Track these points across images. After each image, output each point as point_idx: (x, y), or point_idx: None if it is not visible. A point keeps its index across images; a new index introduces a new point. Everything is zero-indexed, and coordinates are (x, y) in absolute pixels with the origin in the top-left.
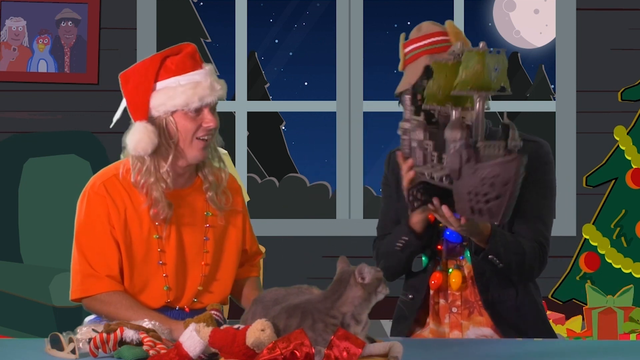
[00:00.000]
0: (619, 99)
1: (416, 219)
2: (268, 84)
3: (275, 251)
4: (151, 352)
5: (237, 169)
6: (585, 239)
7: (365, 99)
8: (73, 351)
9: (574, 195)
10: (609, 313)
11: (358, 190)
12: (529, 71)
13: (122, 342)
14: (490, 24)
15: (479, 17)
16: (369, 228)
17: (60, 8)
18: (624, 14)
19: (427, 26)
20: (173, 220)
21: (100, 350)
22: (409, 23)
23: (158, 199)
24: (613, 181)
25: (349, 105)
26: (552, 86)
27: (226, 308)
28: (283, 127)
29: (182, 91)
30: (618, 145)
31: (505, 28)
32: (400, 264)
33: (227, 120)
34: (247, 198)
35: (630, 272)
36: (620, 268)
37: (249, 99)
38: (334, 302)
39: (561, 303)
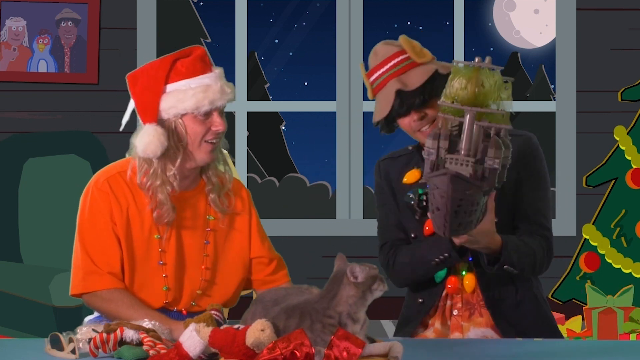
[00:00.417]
0: (619, 99)
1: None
2: (268, 84)
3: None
4: (151, 352)
5: (237, 169)
6: (585, 239)
7: (365, 99)
8: (73, 351)
9: (574, 195)
10: (609, 313)
11: (358, 190)
12: (529, 71)
13: (122, 342)
14: (490, 24)
15: (479, 17)
16: (369, 228)
17: (60, 8)
18: (624, 14)
19: (382, 49)
20: (175, 222)
21: (100, 350)
22: (409, 23)
23: (163, 201)
24: (613, 181)
25: (349, 105)
26: (552, 86)
27: (226, 309)
28: (283, 127)
29: (192, 94)
30: (618, 145)
31: (505, 28)
32: (426, 277)
33: (227, 120)
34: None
35: (630, 272)
36: (620, 268)
37: (249, 99)
38: (330, 301)
39: (561, 303)
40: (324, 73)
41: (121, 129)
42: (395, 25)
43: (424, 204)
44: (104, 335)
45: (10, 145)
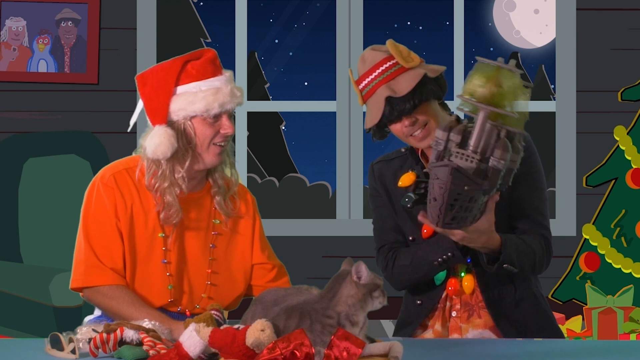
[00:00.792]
0: (619, 99)
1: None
2: (268, 84)
3: (275, 251)
4: (151, 352)
5: (237, 169)
6: (585, 239)
7: None
8: (73, 351)
9: (574, 195)
10: (609, 313)
11: (358, 190)
12: (529, 71)
13: (122, 342)
14: (490, 24)
15: (479, 17)
16: (369, 228)
17: (60, 8)
18: (624, 14)
19: (370, 55)
20: (180, 222)
21: (100, 350)
22: (408, 23)
23: (171, 203)
24: (613, 181)
25: (349, 105)
26: (552, 86)
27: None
28: (283, 127)
29: (202, 97)
30: (618, 145)
31: (505, 28)
32: (427, 278)
33: None
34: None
35: (630, 272)
36: (620, 268)
37: (249, 99)
38: (329, 301)
39: (561, 303)
40: (324, 73)
41: (129, 130)
42: (395, 25)
43: (422, 191)
44: (104, 335)
45: (10, 145)
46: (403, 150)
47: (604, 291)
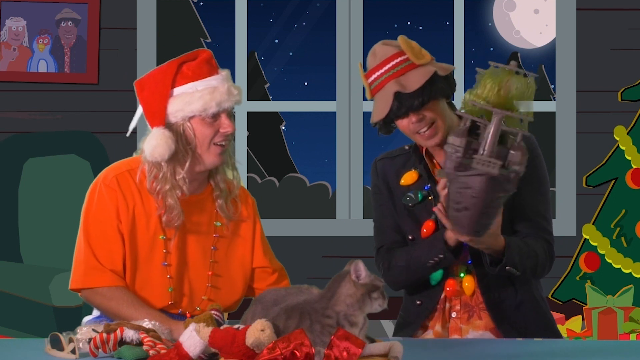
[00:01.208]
0: (619, 99)
1: (453, 235)
2: (268, 84)
3: (275, 251)
4: (151, 352)
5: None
6: (585, 239)
7: (365, 99)
8: (73, 351)
9: (574, 195)
10: (609, 313)
11: (358, 190)
12: (529, 71)
13: (122, 342)
14: (490, 24)
15: (479, 17)
16: (369, 228)
17: (60, 8)
18: (624, 14)
19: (381, 50)
20: (181, 225)
21: (100, 350)
22: (408, 23)
23: (173, 205)
24: (613, 181)
25: (349, 105)
26: (552, 86)
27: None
28: (283, 127)
29: (199, 96)
30: (618, 145)
31: (505, 28)
32: (422, 279)
33: None
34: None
35: (630, 272)
36: (620, 268)
37: (249, 99)
38: (329, 300)
39: (561, 303)
40: (324, 73)
41: (128, 134)
42: (395, 25)
43: (429, 199)
44: (104, 335)
45: (10, 145)
46: (407, 147)
47: (604, 291)
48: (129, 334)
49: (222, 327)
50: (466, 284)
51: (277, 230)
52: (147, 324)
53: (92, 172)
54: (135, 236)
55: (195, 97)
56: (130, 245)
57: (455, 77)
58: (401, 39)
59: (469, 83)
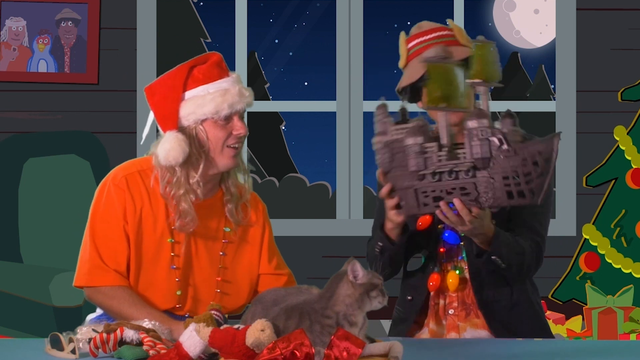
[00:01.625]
0: (619, 99)
1: (390, 226)
2: (268, 84)
3: None
4: (151, 352)
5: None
6: (585, 239)
7: (365, 99)
8: (73, 351)
9: (574, 195)
10: (609, 313)
11: (358, 190)
12: (529, 71)
13: (122, 342)
14: (490, 24)
15: (479, 17)
16: (369, 228)
17: (60, 8)
18: (624, 14)
19: (428, 24)
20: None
21: (100, 350)
22: (408, 23)
23: (187, 211)
24: (613, 181)
25: (349, 105)
26: (552, 86)
27: None
28: (283, 127)
29: (211, 99)
30: (618, 145)
31: (505, 28)
32: (384, 267)
33: None
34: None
35: (630, 272)
36: (620, 268)
37: None
38: (328, 300)
39: (561, 303)
40: (324, 73)
41: (141, 143)
42: (395, 25)
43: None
44: (104, 335)
45: (10, 145)
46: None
47: (604, 291)
48: (129, 334)
49: (222, 327)
50: (450, 280)
51: (277, 230)
52: (147, 324)
53: (92, 172)
54: (141, 237)
55: (207, 99)
56: (136, 246)
57: None
58: (450, 21)
59: None
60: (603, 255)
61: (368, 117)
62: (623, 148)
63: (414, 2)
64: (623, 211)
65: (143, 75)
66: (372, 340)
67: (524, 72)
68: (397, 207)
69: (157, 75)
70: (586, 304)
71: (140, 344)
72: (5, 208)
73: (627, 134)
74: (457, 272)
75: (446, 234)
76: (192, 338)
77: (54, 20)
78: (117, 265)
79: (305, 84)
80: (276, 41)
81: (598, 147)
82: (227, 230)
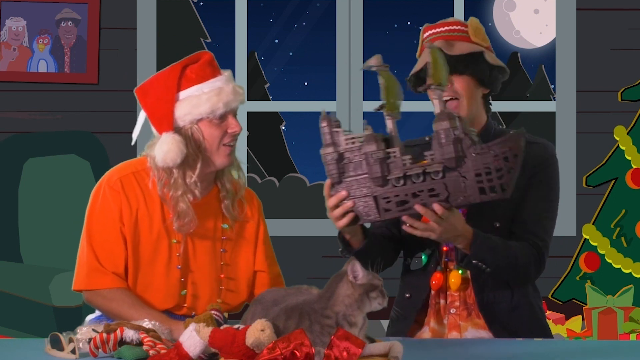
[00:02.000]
0: (619, 99)
1: (348, 236)
2: (268, 84)
3: (275, 251)
4: (151, 352)
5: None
6: (585, 239)
7: (365, 99)
8: (73, 351)
9: (574, 195)
10: (609, 313)
11: None
12: (529, 71)
13: (122, 342)
14: (490, 24)
15: (479, 17)
16: None
17: (60, 8)
18: (624, 14)
19: (448, 18)
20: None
21: (100, 350)
22: (408, 23)
23: (185, 211)
24: (613, 181)
25: (349, 105)
26: (552, 86)
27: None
28: (283, 127)
29: (206, 98)
30: (618, 145)
31: (505, 28)
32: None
33: None
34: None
35: (630, 272)
36: (620, 268)
37: (249, 99)
38: (328, 300)
39: (561, 303)
40: (324, 73)
41: (133, 143)
42: (395, 25)
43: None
44: (104, 335)
45: (10, 145)
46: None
47: (604, 291)
48: (129, 334)
49: (222, 327)
50: (452, 280)
51: (277, 230)
52: (147, 324)
53: (92, 172)
54: (138, 239)
55: (202, 99)
56: (133, 247)
57: None
58: (472, 18)
59: None
60: (603, 255)
61: (368, 117)
62: (623, 148)
63: (414, 2)
64: (623, 211)
65: (143, 75)
66: (372, 340)
67: (524, 72)
68: (344, 215)
69: None
70: (586, 304)
71: (140, 344)
72: (5, 208)
73: (627, 134)
74: (460, 271)
75: None
76: (192, 338)
77: (54, 20)
78: (115, 268)
79: (305, 84)
80: (276, 41)
81: (598, 147)
82: (225, 227)
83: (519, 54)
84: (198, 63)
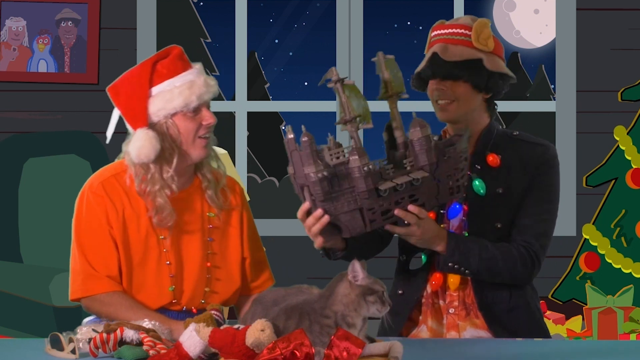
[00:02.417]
0: (619, 99)
1: (320, 242)
2: (268, 84)
3: (275, 251)
4: (151, 352)
5: (237, 169)
6: (585, 239)
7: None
8: (73, 351)
9: (574, 195)
10: (609, 313)
11: None
12: (529, 71)
13: (122, 342)
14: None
15: (478, 17)
16: None
17: (60, 8)
18: (624, 14)
19: (459, 18)
20: (174, 223)
21: (100, 350)
22: (408, 23)
23: (163, 205)
24: (613, 181)
25: None
26: (552, 86)
27: (226, 309)
28: (283, 127)
29: (179, 92)
30: (618, 145)
31: (505, 28)
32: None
33: (227, 120)
34: (247, 198)
35: (630, 272)
36: (620, 268)
37: (249, 99)
38: (327, 299)
39: (561, 303)
40: (324, 73)
41: (107, 142)
42: (395, 25)
43: None
44: (104, 335)
45: (10, 145)
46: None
47: (604, 291)
48: (129, 334)
49: (222, 327)
50: (451, 280)
51: (277, 230)
52: (147, 324)
53: (92, 172)
54: (127, 239)
55: (175, 93)
56: (124, 249)
57: None
58: (482, 19)
59: None
60: (603, 255)
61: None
62: (623, 148)
63: (414, 2)
64: (623, 211)
65: None
66: (372, 340)
67: (524, 72)
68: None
69: None
70: (586, 304)
71: (140, 344)
72: (5, 208)
73: (627, 134)
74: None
75: (451, 212)
76: (192, 338)
77: (54, 20)
78: (109, 271)
79: (305, 84)
80: (276, 41)
81: (598, 147)
82: (211, 215)
83: (519, 54)
84: (168, 58)
